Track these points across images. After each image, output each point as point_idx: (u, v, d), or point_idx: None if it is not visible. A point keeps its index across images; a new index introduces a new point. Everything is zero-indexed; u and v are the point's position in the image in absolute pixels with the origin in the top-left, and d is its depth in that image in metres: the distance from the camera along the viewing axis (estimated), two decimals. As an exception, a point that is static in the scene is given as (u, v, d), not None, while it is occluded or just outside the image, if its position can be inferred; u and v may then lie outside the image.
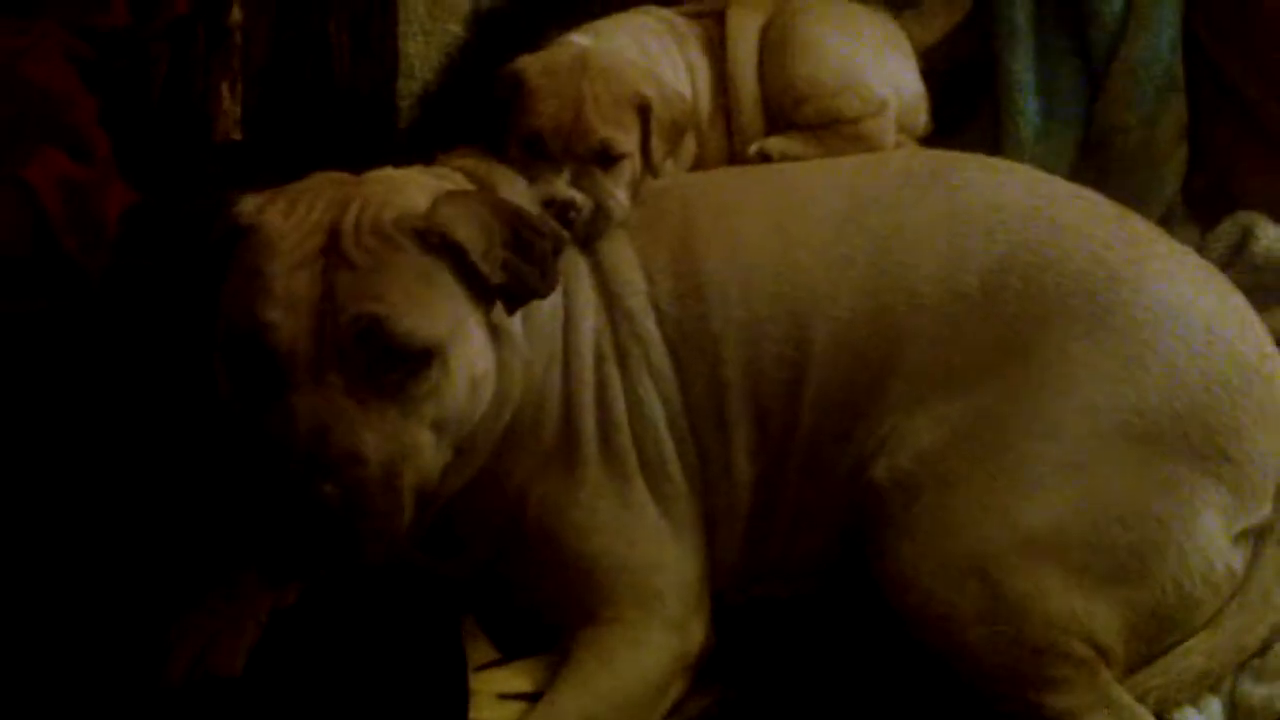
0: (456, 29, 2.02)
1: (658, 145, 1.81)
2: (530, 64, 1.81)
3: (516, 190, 1.73)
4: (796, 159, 1.92)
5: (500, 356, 1.59)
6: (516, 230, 1.54)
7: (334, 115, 1.97)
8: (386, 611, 1.67)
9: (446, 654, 1.67)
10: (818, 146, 1.93)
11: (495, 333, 1.58)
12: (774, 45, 1.99)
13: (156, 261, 1.71)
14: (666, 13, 2.04)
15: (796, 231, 1.72)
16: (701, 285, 1.71)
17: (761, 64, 2.00)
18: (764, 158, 1.92)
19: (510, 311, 1.59)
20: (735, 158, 1.97)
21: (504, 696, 1.63)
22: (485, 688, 1.64)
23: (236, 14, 1.89)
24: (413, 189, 1.57)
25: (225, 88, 1.89)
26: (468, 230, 1.51)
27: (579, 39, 1.91)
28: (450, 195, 1.56)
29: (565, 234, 1.63)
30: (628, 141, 1.78)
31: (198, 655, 1.63)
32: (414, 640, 1.68)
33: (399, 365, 1.46)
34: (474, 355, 1.53)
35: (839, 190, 1.76)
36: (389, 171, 1.67)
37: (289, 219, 1.51)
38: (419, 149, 1.90)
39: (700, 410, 1.70)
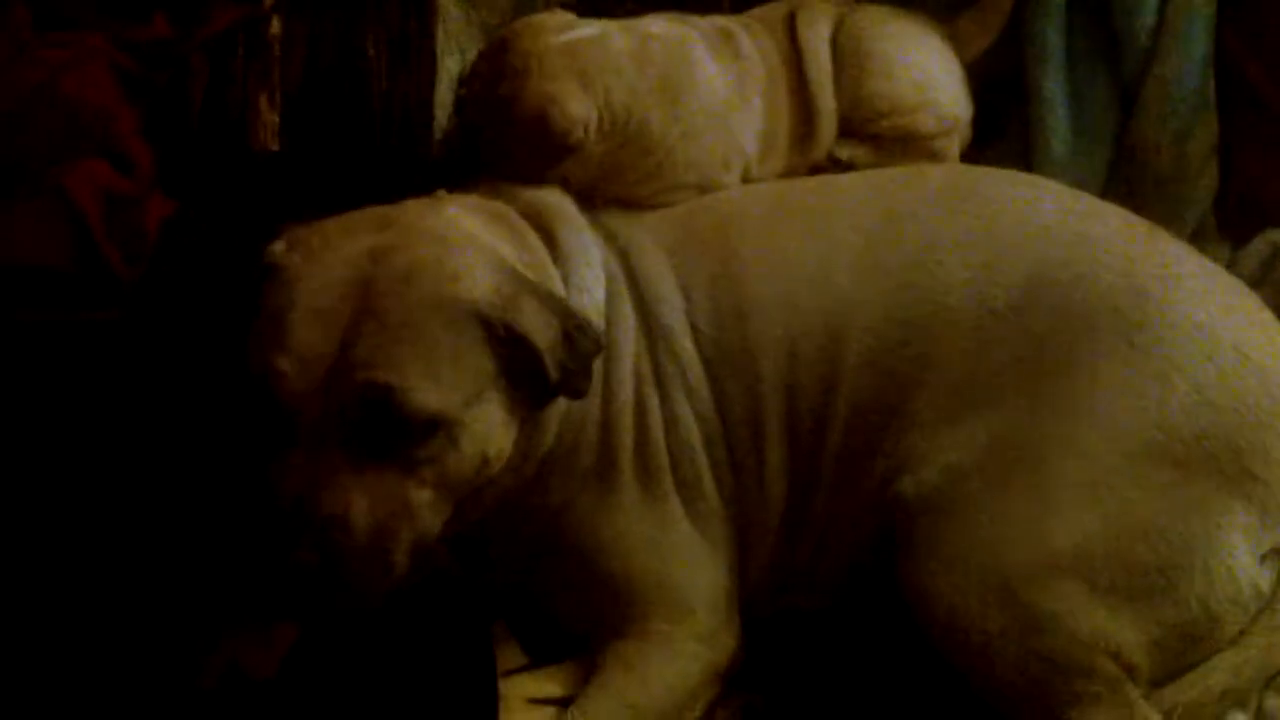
0: (493, 44, 2.02)
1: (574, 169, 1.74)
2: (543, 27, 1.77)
3: (576, 228, 1.71)
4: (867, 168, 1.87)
5: (534, 418, 1.58)
6: (568, 332, 1.53)
7: (370, 127, 1.98)
8: (418, 615, 1.67)
9: (476, 658, 1.68)
10: (889, 159, 1.89)
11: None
12: (847, 57, 1.94)
13: (194, 278, 1.72)
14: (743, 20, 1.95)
15: (833, 243, 1.71)
16: (741, 305, 1.70)
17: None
18: (835, 163, 1.87)
19: (539, 407, 1.57)
20: (794, 170, 1.91)
21: (534, 701, 1.65)
22: (515, 692, 1.65)
23: (276, 27, 1.90)
24: (471, 254, 1.52)
25: (264, 99, 1.90)
26: (542, 332, 1.49)
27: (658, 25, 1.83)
28: (510, 280, 1.51)
29: (604, 337, 1.61)
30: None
31: (231, 658, 1.64)
32: (444, 644, 1.69)
33: (403, 434, 1.45)
34: (489, 434, 1.51)
35: (875, 202, 1.76)
36: (438, 215, 1.61)
37: (322, 264, 1.49)
38: (455, 161, 1.92)
39: (736, 428, 1.70)
